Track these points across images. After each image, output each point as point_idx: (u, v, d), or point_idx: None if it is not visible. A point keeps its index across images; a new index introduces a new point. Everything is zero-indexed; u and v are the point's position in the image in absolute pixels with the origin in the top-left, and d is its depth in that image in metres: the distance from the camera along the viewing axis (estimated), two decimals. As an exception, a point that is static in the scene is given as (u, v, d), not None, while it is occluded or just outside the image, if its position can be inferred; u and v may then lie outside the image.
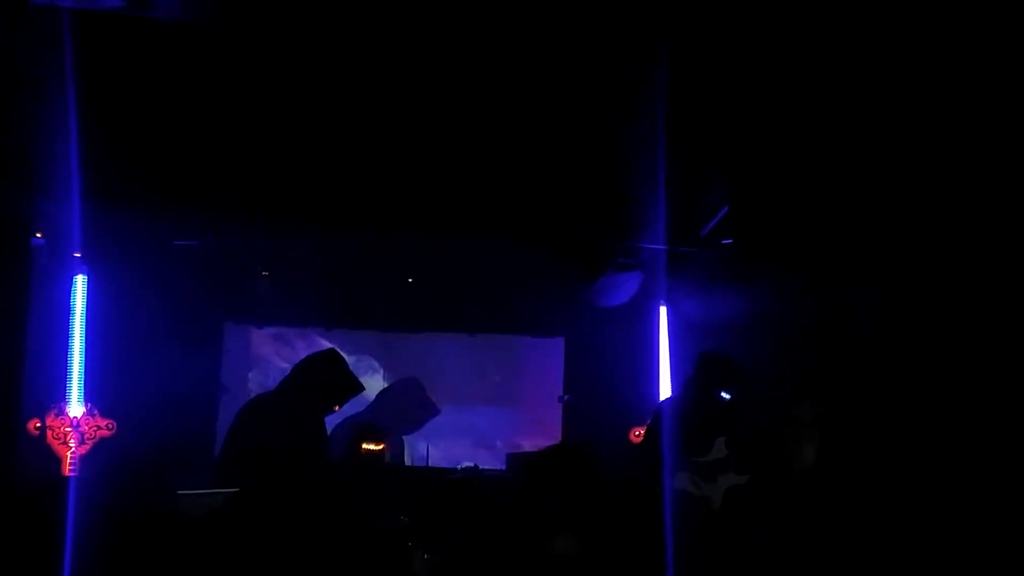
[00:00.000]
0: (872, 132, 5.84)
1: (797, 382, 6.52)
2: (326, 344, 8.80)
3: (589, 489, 4.55)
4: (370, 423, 7.53)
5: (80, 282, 7.13)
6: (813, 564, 4.88)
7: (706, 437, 5.61)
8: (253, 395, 8.30)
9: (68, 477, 6.86)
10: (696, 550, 4.83)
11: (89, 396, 7.04)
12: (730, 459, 5.59)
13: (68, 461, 6.93)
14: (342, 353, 6.79)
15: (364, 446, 6.84)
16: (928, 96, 5.42)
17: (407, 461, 8.62)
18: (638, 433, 8.03)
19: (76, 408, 6.98)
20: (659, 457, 5.47)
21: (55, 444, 6.89)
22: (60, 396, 6.97)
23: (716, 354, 5.93)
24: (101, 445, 7.02)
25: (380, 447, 6.90)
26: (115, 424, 7.06)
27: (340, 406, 6.61)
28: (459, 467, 8.46)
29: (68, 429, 6.92)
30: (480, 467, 8.62)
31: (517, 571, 4.52)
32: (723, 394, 5.70)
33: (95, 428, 7.01)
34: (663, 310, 8.30)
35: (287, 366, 8.53)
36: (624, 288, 8.09)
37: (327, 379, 6.43)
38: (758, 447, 5.70)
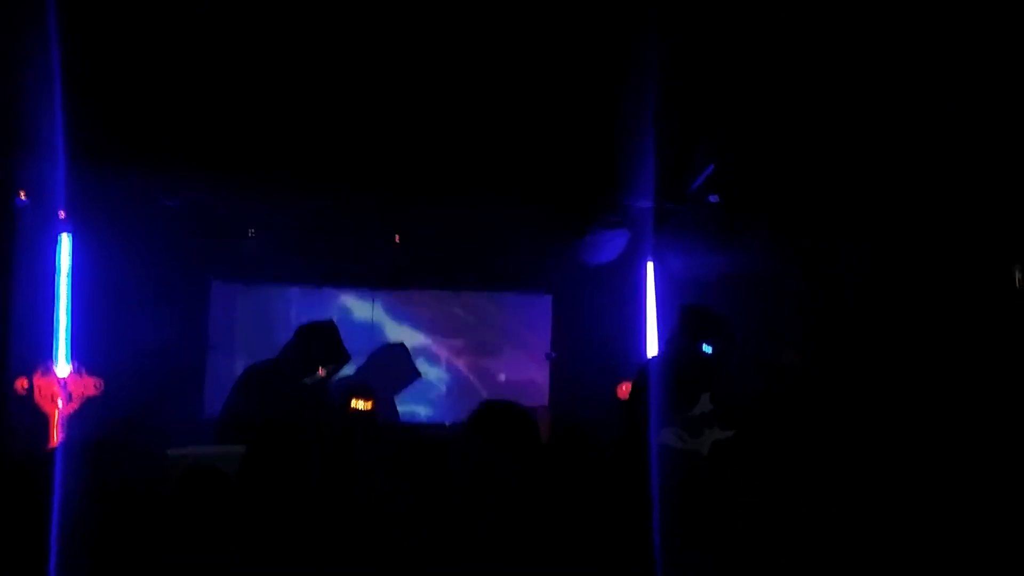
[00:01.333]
0: (859, 89, 5.84)
1: (780, 332, 6.57)
2: (312, 302, 8.84)
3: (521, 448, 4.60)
4: (358, 382, 7.56)
5: (65, 241, 7.10)
6: (799, 519, 4.93)
7: (691, 392, 5.64)
8: (240, 355, 8.32)
9: (56, 436, 6.86)
10: (684, 504, 4.86)
11: (76, 355, 7.03)
12: (715, 413, 5.62)
13: (56, 420, 6.93)
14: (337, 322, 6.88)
15: (353, 404, 6.87)
16: (918, 62, 5.43)
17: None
18: (626, 389, 8.08)
19: (63, 367, 6.97)
20: (644, 413, 5.49)
21: (43, 403, 6.89)
22: (47, 355, 6.96)
23: (697, 307, 5.95)
24: (89, 404, 7.02)
25: (368, 405, 6.93)
26: (103, 383, 7.06)
27: (326, 372, 6.68)
28: (447, 424, 8.50)
29: (56, 388, 6.92)
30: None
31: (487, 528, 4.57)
32: (705, 347, 5.73)
33: (83, 387, 7.01)
34: (650, 267, 8.31)
35: (274, 325, 8.56)
36: (611, 245, 8.10)
37: (317, 347, 6.55)
38: (742, 399, 5.74)
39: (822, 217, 7.17)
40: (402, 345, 8.93)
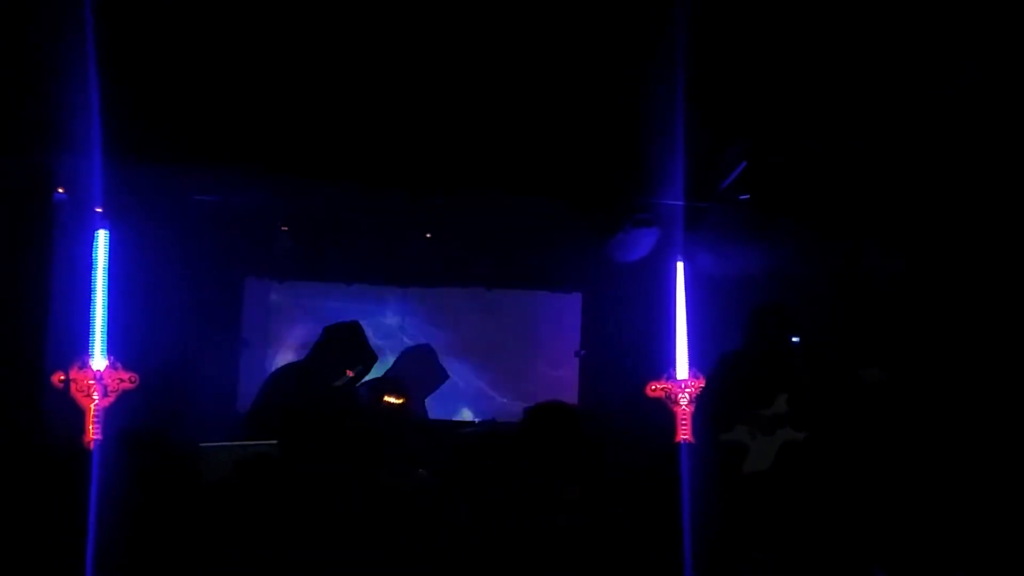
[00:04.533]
0: (891, 89, 5.82)
1: (863, 345, 6.55)
2: (345, 297, 8.91)
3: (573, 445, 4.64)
4: (390, 379, 7.62)
5: (102, 237, 7.17)
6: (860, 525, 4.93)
7: (769, 390, 5.67)
8: (272, 349, 8.41)
9: (92, 429, 6.95)
10: (744, 505, 4.91)
11: (112, 350, 7.11)
12: (788, 414, 5.63)
13: (92, 413, 7.01)
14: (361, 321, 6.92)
15: (387, 399, 6.94)
16: (947, 57, 5.40)
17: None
18: (655, 388, 8.08)
19: (99, 361, 7.05)
20: (720, 407, 5.56)
21: (79, 397, 6.97)
22: (83, 350, 7.04)
23: (781, 305, 5.97)
24: (124, 398, 7.10)
25: (402, 401, 6.99)
26: (138, 377, 7.14)
27: (354, 373, 6.71)
28: (477, 421, 8.54)
29: (92, 382, 6.98)
30: (498, 420, 8.69)
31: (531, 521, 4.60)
32: (794, 339, 5.77)
33: (118, 381, 7.07)
34: (680, 265, 8.28)
35: (307, 321, 8.62)
36: (642, 243, 8.09)
37: (343, 347, 6.56)
38: (820, 405, 5.75)
39: (854, 215, 7.14)
40: (429, 346, 8.93)
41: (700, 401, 6.42)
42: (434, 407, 8.79)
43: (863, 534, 4.97)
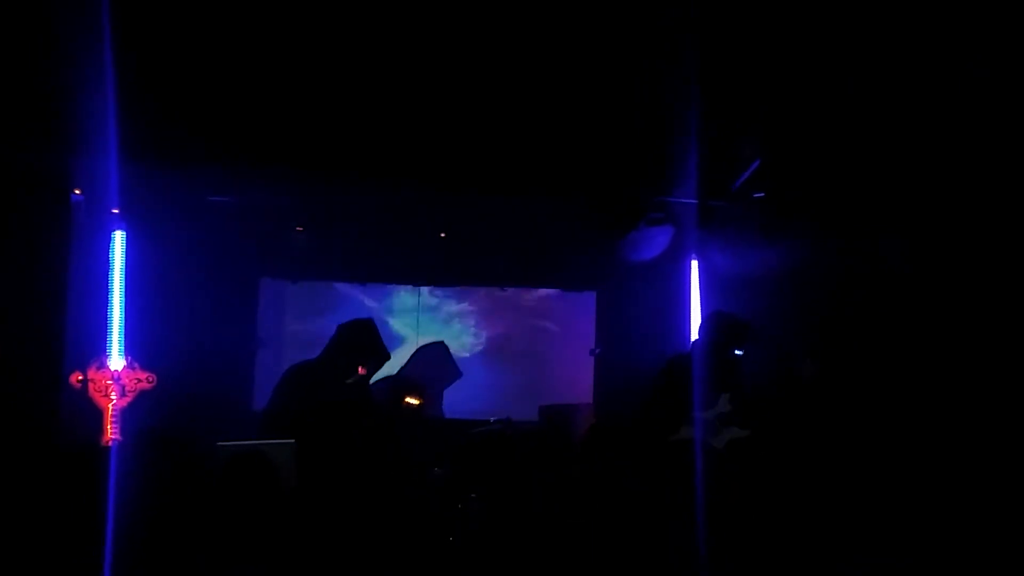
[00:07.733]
0: (904, 85, 5.81)
1: (803, 339, 6.58)
2: (360, 297, 8.95)
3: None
4: (409, 378, 7.65)
5: (119, 238, 7.23)
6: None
7: (712, 392, 5.73)
8: (288, 349, 8.44)
9: (110, 428, 7.00)
10: (702, 497, 4.94)
11: (129, 350, 7.16)
12: (732, 414, 5.70)
13: (110, 413, 7.06)
14: (377, 320, 6.92)
15: (406, 400, 6.97)
16: (960, 49, 5.39)
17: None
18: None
19: (117, 361, 7.11)
20: (668, 411, 5.60)
21: (97, 396, 7.03)
22: (101, 350, 7.10)
23: (726, 313, 6.05)
24: (142, 397, 7.15)
25: (420, 401, 7.03)
26: (155, 377, 7.19)
27: (366, 371, 6.67)
28: (492, 419, 8.54)
29: (109, 382, 7.05)
30: (513, 419, 8.70)
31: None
32: (736, 351, 5.82)
33: (135, 381, 7.13)
34: (694, 264, 8.31)
35: (322, 320, 8.65)
36: (656, 242, 8.10)
37: (357, 345, 6.53)
38: (761, 403, 5.81)
39: (868, 214, 7.12)
40: (442, 344, 8.95)
41: (645, 405, 6.41)
42: (449, 406, 8.82)
43: (820, 525, 5.01)
